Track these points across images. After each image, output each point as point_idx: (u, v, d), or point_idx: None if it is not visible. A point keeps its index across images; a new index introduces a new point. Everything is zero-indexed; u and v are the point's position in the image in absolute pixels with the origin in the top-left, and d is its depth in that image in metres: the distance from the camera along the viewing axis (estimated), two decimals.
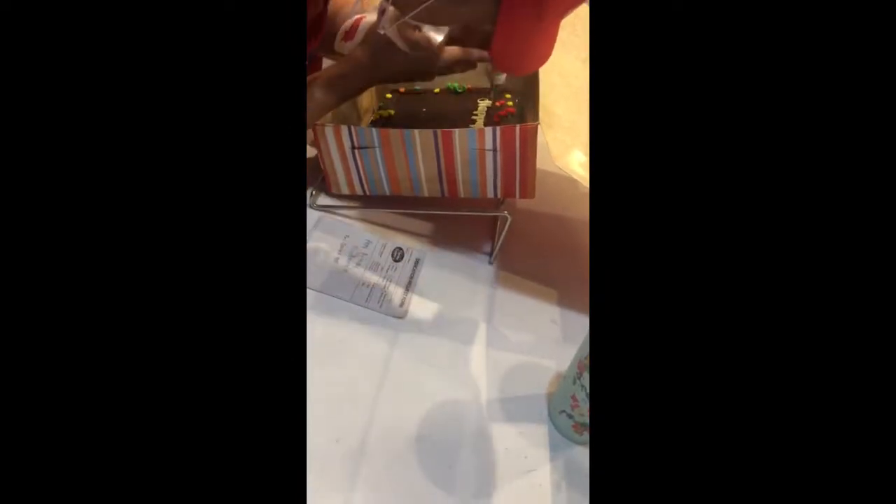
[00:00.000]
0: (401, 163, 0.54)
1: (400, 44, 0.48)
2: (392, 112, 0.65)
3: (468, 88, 0.69)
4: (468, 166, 0.53)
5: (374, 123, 0.64)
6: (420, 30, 0.49)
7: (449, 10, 0.40)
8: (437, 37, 0.54)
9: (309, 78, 0.53)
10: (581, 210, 0.69)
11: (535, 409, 0.47)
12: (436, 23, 0.50)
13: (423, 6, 0.40)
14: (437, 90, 0.69)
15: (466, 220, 0.62)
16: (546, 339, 0.52)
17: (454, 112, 0.64)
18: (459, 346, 0.50)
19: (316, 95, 0.51)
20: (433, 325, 0.51)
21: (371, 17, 0.55)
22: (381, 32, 0.45)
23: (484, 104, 0.65)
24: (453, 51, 0.55)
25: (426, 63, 0.53)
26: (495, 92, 0.66)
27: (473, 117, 0.63)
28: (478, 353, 0.50)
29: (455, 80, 0.68)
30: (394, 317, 0.51)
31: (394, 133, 0.52)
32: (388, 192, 0.58)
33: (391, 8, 0.42)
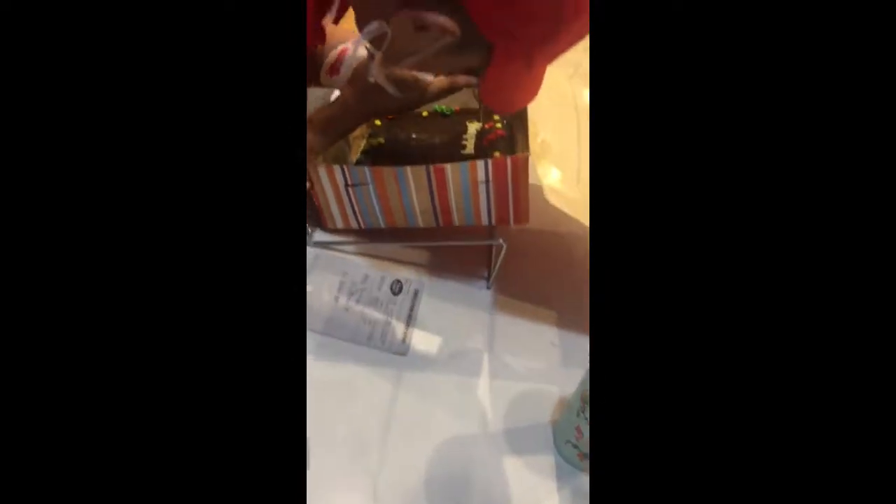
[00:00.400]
0: (394, 197, 0.55)
1: (390, 89, 0.48)
2: (382, 140, 0.65)
3: (456, 110, 0.69)
4: (461, 197, 0.54)
5: (364, 153, 0.64)
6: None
7: (441, 60, 0.41)
8: (427, 76, 0.54)
9: None
10: (572, 223, 0.70)
11: (541, 439, 0.48)
12: (427, 71, 0.50)
13: (415, 59, 0.40)
14: (425, 113, 0.69)
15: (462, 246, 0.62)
16: (547, 364, 0.53)
17: (444, 138, 0.65)
18: (463, 379, 0.51)
19: (308, 139, 0.51)
20: (436, 359, 0.52)
21: (356, 51, 0.55)
22: (371, 80, 0.45)
23: (473, 127, 0.65)
24: (440, 81, 0.56)
25: (415, 98, 0.54)
26: (483, 112, 0.66)
27: (463, 142, 0.64)
28: (482, 384, 0.51)
29: (443, 103, 0.68)
30: (396, 354, 0.51)
31: (387, 170, 0.52)
32: (382, 225, 0.58)
33: (380, 55, 0.42)
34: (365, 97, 0.51)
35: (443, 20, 0.36)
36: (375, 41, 0.39)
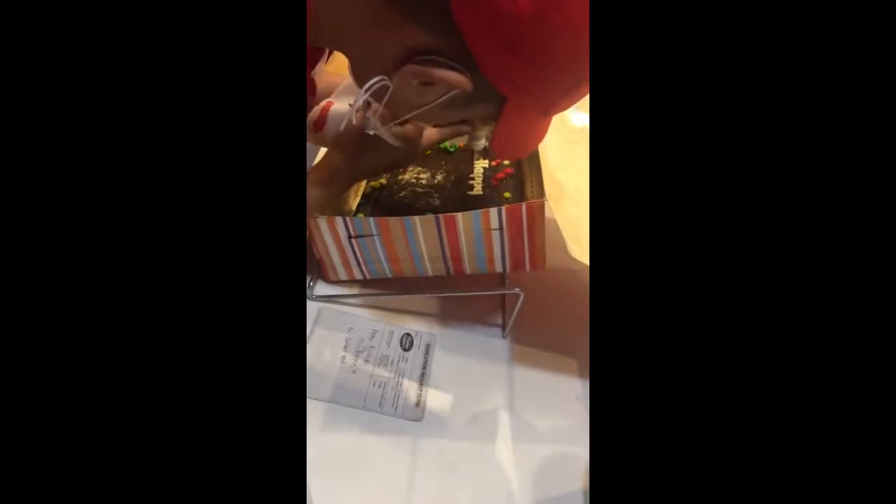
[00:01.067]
0: (402, 246, 0.51)
1: (392, 141, 0.45)
2: (383, 181, 0.62)
3: (460, 146, 0.66)
4: (473, 245, 0.50)
5: (365, 196, 0.61)
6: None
7: (446, 113, 0.37)
8: (428, 126, 0.51)
9: None
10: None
11: None
12: (433, 123, 0.47)
13: (421, 111, 0.37)
14: (428, 151, 0.65)
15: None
16: (573, 421, 0.49)
17: (449, 177, 0.61)
18: (484, 446, 0.47)
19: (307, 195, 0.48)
20: (453, 423, 0.48)
21: (339, 106, 0.51)
22: (371, 133, 0.42)
23: (480, 165, 0.62)
24: (432, 133, 0.53)
25: (409, 152, 0.51)
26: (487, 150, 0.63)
27: (470, 181, 0.60)
28: (504, 449, 0.47)
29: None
30: (411, 420, 0.47)
31: (393, 221, 0.49)
32: (389, 275, 0.55)
33: (380, 108, 0.39)
34: (354, 159, 0.48)
35: (454, 77, 0.33)
36: (376, 95, 0.36)
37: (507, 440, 0.47)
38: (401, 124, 0.45)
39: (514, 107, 0.35)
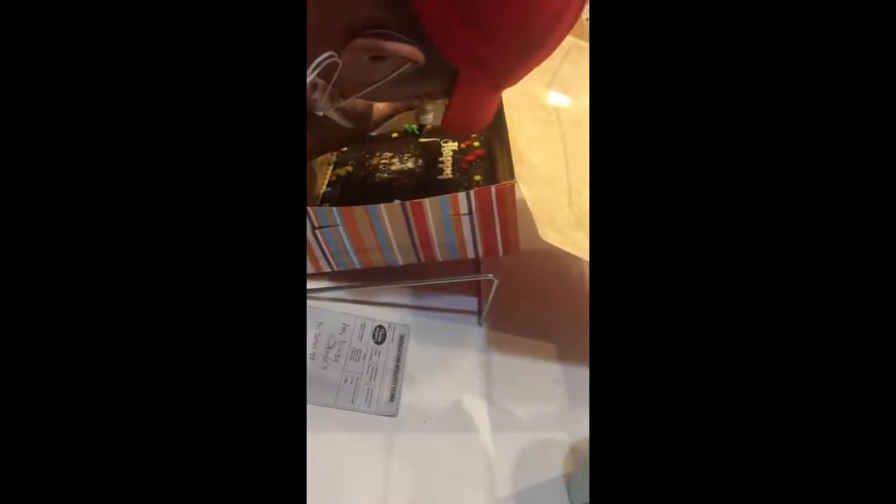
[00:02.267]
0: (368, 237, 0.49)
1: (341, 121, 0.43)
2: (350, 168, 0.59)
3: (427, 129, 0.63)
4: (443, 232, 0.48)
5: (331, 184, 0.58)
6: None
7: (398, 89, 0.35)
8: (379, 103, 0.49)
9: None
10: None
11: (555, 497, 0.43)
12: (384, 100, 0.45)
13: (372, 88, 0.34)
14: (394, 135, 0.63)
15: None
16: (552, 407, 0.48)
17: (418, 161, 0.59)
18: (461, 437, 0.45)
19: None
20: (430, 416, 0.47)
21: None
22: (319, 115, 0.40)
23: (449, 148, 0.60)
24: (382, 107, 0.51)
25: (359, 129, 0.49)
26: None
27: (440, 165, 0.58)
28: (482, 440, 0.46)
29: (413, 123, 0.63)
30: (385, 415, 0.46)
31: (357, 210, 0.47)
32: (357, 266, 0.53)
33: (329, 87, 0.36)
34: (310, 133, 0.46)
35: (406, 49, 0.31)
36: (325, 72, 0.34)
37: (486, 430, 0.46)
38: (347, 110, 0.43)
39: (465, 81, 0.34)
